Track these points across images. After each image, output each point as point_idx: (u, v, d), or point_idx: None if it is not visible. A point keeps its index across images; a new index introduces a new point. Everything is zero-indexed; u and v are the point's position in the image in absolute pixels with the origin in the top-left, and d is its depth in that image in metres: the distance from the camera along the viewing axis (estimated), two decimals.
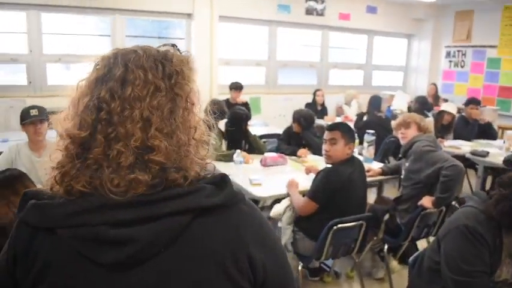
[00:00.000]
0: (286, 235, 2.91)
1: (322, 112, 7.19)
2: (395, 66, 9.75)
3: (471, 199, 2.00)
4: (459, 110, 6.88)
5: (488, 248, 1.80)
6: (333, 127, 3.02)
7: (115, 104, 0.77)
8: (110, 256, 0.73)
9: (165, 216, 0.75)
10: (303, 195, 2.95)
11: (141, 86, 0.78)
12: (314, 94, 7.28)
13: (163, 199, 0.75)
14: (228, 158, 3.71)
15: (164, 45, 0.89)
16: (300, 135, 4.46)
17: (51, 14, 5.99)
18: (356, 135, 4.56)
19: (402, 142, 3.41)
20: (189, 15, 6.87)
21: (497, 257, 1.85)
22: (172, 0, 6.55)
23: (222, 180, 0.83)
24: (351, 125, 5.88)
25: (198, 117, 0.87)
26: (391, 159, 5.57)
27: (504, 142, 5.12)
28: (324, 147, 2.99)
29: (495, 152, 4.78)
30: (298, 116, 4.50)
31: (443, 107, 5.55)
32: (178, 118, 0.81)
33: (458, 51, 8.88)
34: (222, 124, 4.12)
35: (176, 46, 0.89)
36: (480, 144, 5.26)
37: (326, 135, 3.00)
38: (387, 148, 5.42)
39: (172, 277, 0.76)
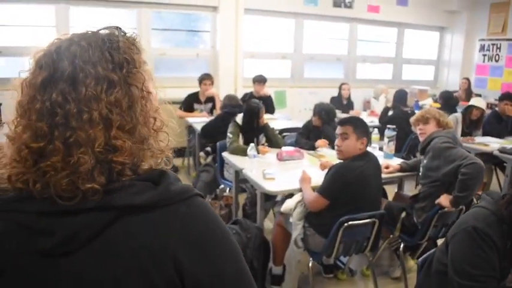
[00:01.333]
0: (296, 231, 2.87)
1: (348, 106, 7.08)
2: (426, 60, 9.46)
3: (483, 199, 1.90)
4: (490, 106, 6.64)
5: (498, 251, 1.69)
6: (345, 121, 2.95)
7: (70, 107, 0.73)
8: (39, 244, 0.72)
9: (87, 212, 0.72)
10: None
11: (93, 84, 0.74)
12: (340, 88, 7.16)
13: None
14: (243, 153, 3.69)
15: (107, 28, 0.84)
16: (319, 130, 4.40)
17: (79, 7, 6.11)
18: (377, 130, 4.51)
19: (420, 138, 3.30)
20: (214, 8, 6.86)
21: (509, 261, 1.74)
22: None
23: (159, 177, 0.79)
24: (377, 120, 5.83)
25: (156, 105, 0.84)
26: (418, 155, 5.42)
27: None
28: (336, 142, 2.93)
29: None
30: (319, 109, 4.43)
31: (472, 101, 5.33)
32: (138, 111, 0.78)
33: (493, 44, 8.52)
34: (239, 118, 4.10)
35: (120, 28, 0.84)
36: (510, 142, 5.05)
37: (338, 129, 2.94)
38: (413, 144, 5.27)
39: (87, 275, 0.73)
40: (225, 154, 3.91)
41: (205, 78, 5.89)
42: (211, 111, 5.91)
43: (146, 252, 0.74)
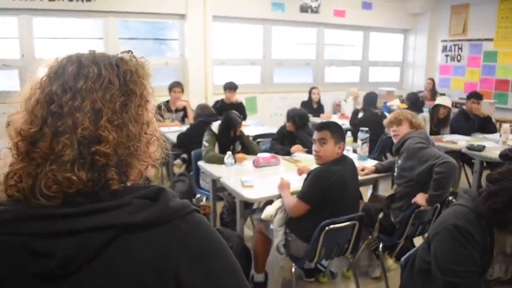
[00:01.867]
0: (278, 237, 2.87)
1: (318, 110, 7.15)
2: (391, 62, 9.71)
3: (461, 197, 1.96)
4: (455, 104, 6.85)
5: (479, 247, 1.76)
6: (322, 127, 2.98)
7: (66, 97, 0.76)
8: (37, 267, 0.71)
9: (85, 232, 0.72)
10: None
11: (94, 79, 0.78)
12: (310, 92, 7.24)
13: (86, 213, 0.73)
14: (219, 161, 3.68)
15: (122, 52, 0.88)
16: (293, 135, 4.42)
17: (43, 18, 5.97)
18: (350, 132, 4.58)
19: (394, 140, 3.37)
20: (182, 16, 6.84)
21: (489, 256, 1.81)
22: (165, 1, 6.52)
23: (157, 194, 0.79)
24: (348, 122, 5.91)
25: (151, 114, 0.87)
26: (389, 155, 5.54)
27: (500, 136, 5.07)
28: (314, 147, 2.95)
29: (492, 146, 4.74)
30: (292, 115, 4.46)
31: (438, 100, 5.51)
32: (131, 112, 0.80)
33: (455, 45, 8.83)
34: (215, 126, 4.08)
35: (132, 52, 0.89)
36: (477, 139, 5.22)
37: (315, 135, 2.96)
38: (384, 145, 5.38)
39: None
40: (201, 163, 3.87)
41: (175, 86, 5.86)
42: (182, 120, 5.86)
43: (147, 268, 0.74)
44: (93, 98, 0.76)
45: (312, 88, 7.26)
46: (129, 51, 0.89)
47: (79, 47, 0.87)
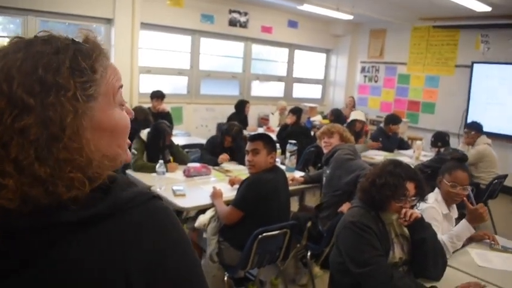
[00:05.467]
0: (211, 246, 2.87)
1: (244, 123, 7.24)
2: (314, 79, 10.11)
3: (353, 202, 2.29)
4: (373, 122, 7.33)
5: (375, 234, 2.01)
6: (256, 137, 3.06)
7: None
8: None
9: (17, 233, 0.61)
10: (228, 205, 2.94)
11: (2, 105, 0.61)
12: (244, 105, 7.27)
13: (23, 214, 0.61)
14: (150, 170, 3.60)
15: (60, 38, 0.69)
16: (224, 146, 4.43)
17: None
18: (278, 145, 4.70)
19: (325, 150, 3.54)
20: (109, 21, 6.62)
21: (387, 241, 2.06)
22: (92, 3, 6.25)
23: (107, 185, 0.68)
24: (274, 135, 6.07)
25: (81, 143, 0.65)
26: (311, 168, 5.77)
27: (414, 152, 5.51)
28: (247, 157, 3.02)
29: (406, 160, 5.09)
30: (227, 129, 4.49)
31: (353, 116, 5.95)
32: (52, 148, 0.62)
33: (373, 66, 9.44)
34: (144, 134, 3.98)
35: (77, 42, 0.70)
36: (393, 154, 5.62)
37: (249, 145, 3.03)
38: (308, 158, 5.59)
39: None
40: (129, 172, 3.76)
41: None
42: None
43: (93, 279, 0.63)
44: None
45: (246, 102, 7.31)
46: (77, 41, 0.70)
47: None
